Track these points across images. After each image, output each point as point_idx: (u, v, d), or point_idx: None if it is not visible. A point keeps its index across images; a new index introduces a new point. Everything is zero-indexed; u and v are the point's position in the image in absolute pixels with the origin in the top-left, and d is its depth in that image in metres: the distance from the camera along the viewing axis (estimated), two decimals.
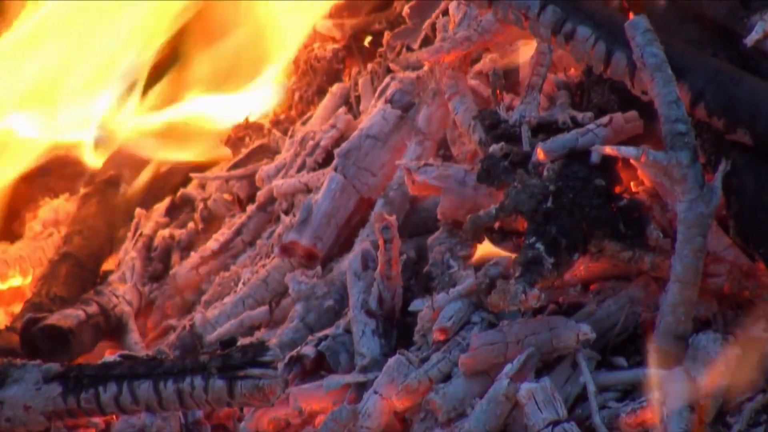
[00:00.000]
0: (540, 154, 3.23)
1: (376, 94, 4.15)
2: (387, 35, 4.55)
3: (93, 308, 4.06)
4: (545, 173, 3.18)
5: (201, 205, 4.60)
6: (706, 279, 3.12)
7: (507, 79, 3.81)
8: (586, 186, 3.13)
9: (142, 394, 3.05)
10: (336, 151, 3.94)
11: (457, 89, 3.74)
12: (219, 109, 5.07)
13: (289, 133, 4.61)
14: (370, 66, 4.58)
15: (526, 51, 3.82)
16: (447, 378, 3.14)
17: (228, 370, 3.02)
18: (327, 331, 3.46)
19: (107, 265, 4.67)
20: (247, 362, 3.02)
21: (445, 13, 4.22)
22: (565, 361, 3.10)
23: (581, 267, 3.23)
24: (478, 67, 3.95)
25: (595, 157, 3.19)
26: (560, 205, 3.11)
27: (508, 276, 3.22)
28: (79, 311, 4.01)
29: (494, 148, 3.33)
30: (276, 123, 4.90)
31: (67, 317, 3.97)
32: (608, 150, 3.12)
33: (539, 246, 3.05)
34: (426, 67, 3.94)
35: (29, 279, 4.70)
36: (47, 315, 3.97)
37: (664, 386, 2.97)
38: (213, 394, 3.02)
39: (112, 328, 4.10)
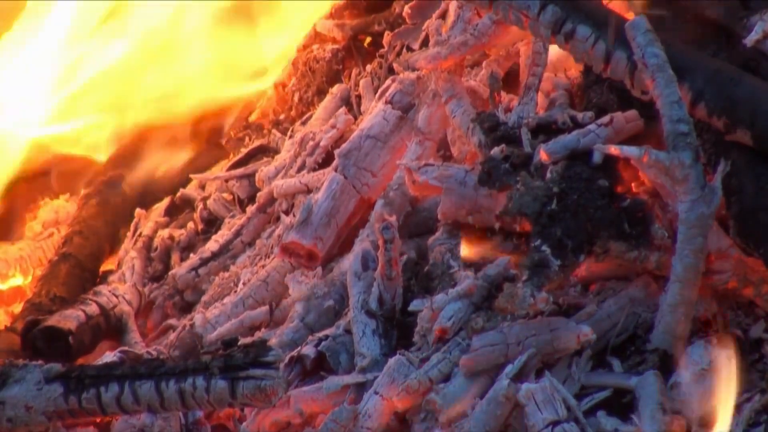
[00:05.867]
0: (542, 155, 3.23)
1: (377, 95, 4.16)
2: (387, 36, 4.55)
3: (92, 308, 4.06)
4: (548, 175, 3.18)
5: (201, 205, 4.60)
6: (712, 276, 3.12)
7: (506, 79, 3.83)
8: (590, 187, 3.14)
9: (143, 395, 3.05)
10: (336, 152, 3.94)
11: (454, 92, 3.75)
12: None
13: (289, 134, 4.62)
14: (369, 67, 4.59)
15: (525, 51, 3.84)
16: (447, 378, 3.13)
17: (230, 370, 3.02)
18: (327, 332, 3.46)
19: (107, 265, 4.68)
20: (249, 362, 3.02)
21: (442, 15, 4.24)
22: (562, 361, 3.10)
23: (582, 267, 3.22)
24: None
25: (597, 158, 3.20)
26: (565, 206, 3.11)
27: (508, 277, 3.23)
28: (79, 312, 4.01)
29: (495, 150, 3.34)
30: (276, 123, 4.91)
31: (66, 318, 3.97)
32: (611, 150, 3.12)
33: (545, 248, 3.05)
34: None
35: (29, 279, 4.71)
36: (47, 317, 3.98)
37: (636, 389, 2.98)
38: (215, 394, 3.02)
39: (112, 328, 4.10)
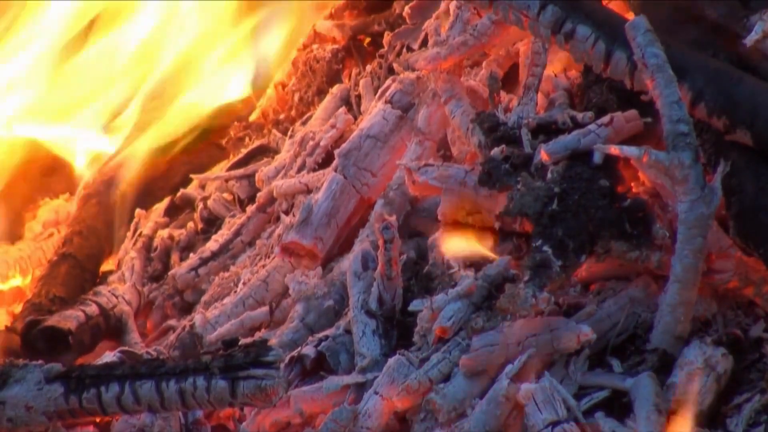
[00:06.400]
0: (543, 155, 3.23)
1: (377, 95, 4.15)
2: (387, 36, 4.55)
3: (92, 309, 4.06)
4: (549, 175, 3.18)
5: (201, 205, 4.60)
6: (713, 275, 3.12)
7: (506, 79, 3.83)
8: (591, 187, 3.14)
9: (144, 394, 3.05)
10: (336, 152, 3.94)
11: (453, 93, 3.74)
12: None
13: (289, 134, 4.61)
14: (369, 67, 4.59)
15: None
16: (447, 378, 3.13)
17: (230, 370, 3.02)
18: (327, 332, 3.46)
19: (107, 265, 4.67)
20: (250, 362, 3.02)
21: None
22: (559, 362, 3.10)
23: (582, 267, 3.22)
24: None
25: (597, 158, 3.20)
26: (566, 207, 3.11)
27: (508, 277, 3.23)
28: (79, 312, 4.01)
29: (495, 150, 3.34)
30: (276, 123, 4.91)
31: (66, 318, 3.96)
32: (611, 150, 3.12)
33: (547, 249, 3.05)
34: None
35: (29, 279, 4.71)
36: (47, 317, 3.97)
37: (631, 390, 2.98)
38: (215, 394, 3.02)
39: (111, 328, 4.10)
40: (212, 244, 4.28)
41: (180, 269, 4.27)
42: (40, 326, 3.91)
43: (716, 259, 3.12)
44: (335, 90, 4.62)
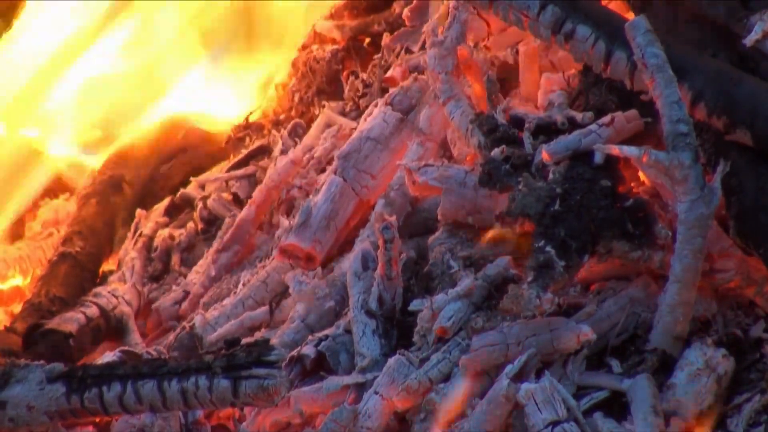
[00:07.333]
0: (544, 155, 3.23)
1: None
2: (386, 37, 4.56)
3: (92, 311, 4.06)
4: (551, 176, 3.18)
5: (201, 205, 4.60)
6: (715, 275, 3.13)
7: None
8: (592, 187, 3.14)
9: (146, 394, 3.05)
10: (336, 154, 3.94)
11: (452, 93, 3.74)
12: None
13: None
14: (365, 75, 4.60)
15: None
16: (447, 378, 3.13)
17: (232, 369, 3.02)
18: (327, 332, 3.46)
19: (107, 265, 4.68)
20: (252, 362, 3.02)
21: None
22: (557, 362, 3.10)
23: (583, 267, 3.23)
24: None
25: (598, 158, 3.20)
26: (568, 207, 3.11)
27: (507, 277, 3.23)
28: (79, 314, 4.01)
29: (495, 151, 3.34)
30: (276, 123, 4.92)
31: (67, 321, 3.97)
32: (612, 150, 3.13)
33: (549, 249, 3.05)
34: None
35: (29, 279, 4.71)
36: (48, 321, 3.97)
37: (628, 392, 2.99)
38: (217, 393, 3.02)
39: (112, 329, 4.10)
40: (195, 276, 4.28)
41: (164, 301, 4.24)
42: (41, 329, 3.91)
43: (718, 259, 3.12)
44: (332, 106, 4.61)
